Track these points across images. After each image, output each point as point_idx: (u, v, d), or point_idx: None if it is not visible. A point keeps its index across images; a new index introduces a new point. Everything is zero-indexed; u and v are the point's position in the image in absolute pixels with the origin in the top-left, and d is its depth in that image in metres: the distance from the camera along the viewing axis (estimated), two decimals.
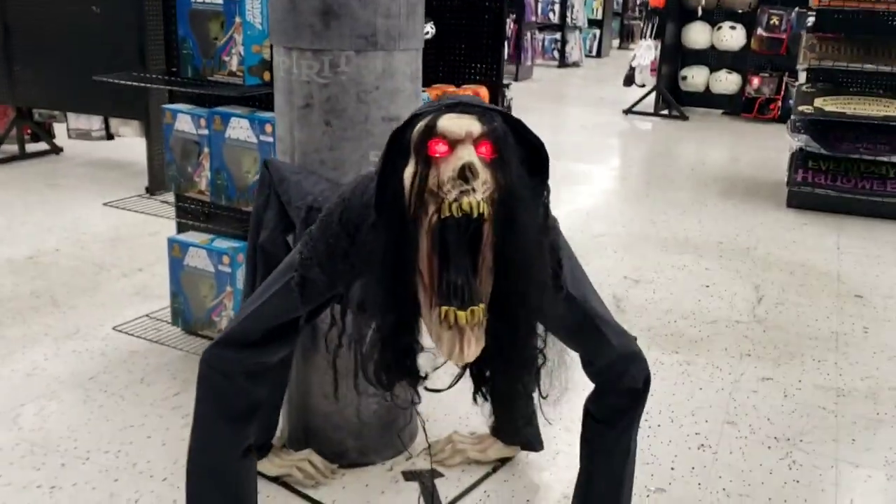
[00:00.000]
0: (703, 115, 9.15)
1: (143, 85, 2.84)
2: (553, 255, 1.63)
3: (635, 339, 1.85)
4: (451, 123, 1.40)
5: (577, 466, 2.00)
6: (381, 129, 2.22)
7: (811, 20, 5.41)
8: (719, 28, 8.81)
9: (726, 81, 8.91)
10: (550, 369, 1.68)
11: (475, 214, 1.35)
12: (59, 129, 6.51)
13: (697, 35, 8.88)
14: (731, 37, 8.76)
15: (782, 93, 8.63)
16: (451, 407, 2.71)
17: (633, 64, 8.93)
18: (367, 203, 1.55)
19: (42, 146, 6.35)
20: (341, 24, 2.11)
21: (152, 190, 4.90)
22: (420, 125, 1.42)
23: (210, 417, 1.76)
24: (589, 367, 1.86)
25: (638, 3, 9.23)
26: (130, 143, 6.08)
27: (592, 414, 1.90)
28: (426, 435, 2.40)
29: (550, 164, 1.51)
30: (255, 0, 2.62)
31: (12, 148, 6.20)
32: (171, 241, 2.97)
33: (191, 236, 2.99)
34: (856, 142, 5.31)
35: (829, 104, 5.29)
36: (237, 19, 2.62)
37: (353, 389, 2.37)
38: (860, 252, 4.69)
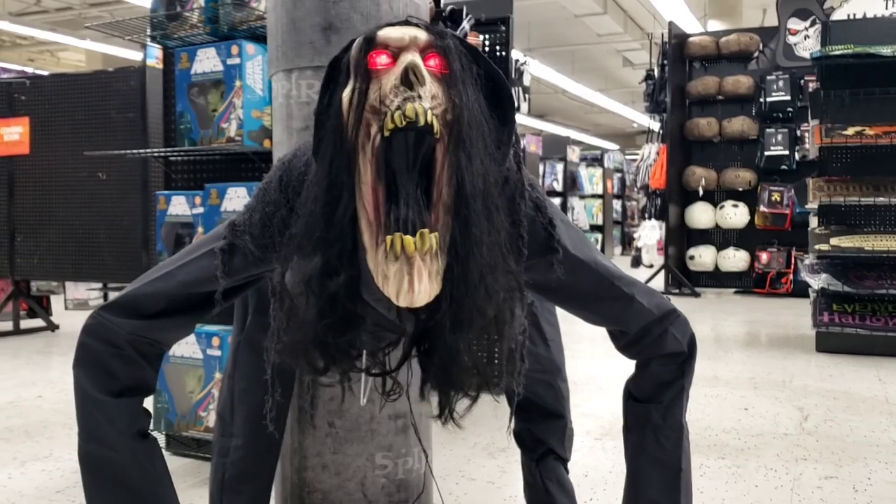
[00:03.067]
0: (716, 294, 9.02)
1: (144, 152, 2.70)
2: (542, 212, 1.40)
3: (668, 298, 1.55)
4: (394, 31, 1.23)
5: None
6: None
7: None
8: (721, 207, 8.89)
9: (734, 259, 8.86)
10: (513, 344, 1.31)
11: (421, 122, 1.14)
12: (56, 306, 6.36)
13: (700, 215, 8.95)
14: (735, 215, 8.82)
15: (792, 267, 8.55)
16: (464, 469, 2.34)
17: (639, 245, 8.94)
18: (310, 161, 1.35)
19: (38, 322, 6.17)
20: (343, 40, 2.00)
21: None
22: (358, 39, 1.25)
23: (91, 396, 1.39)
24: (622, 340, 1.55)
25: (638, 184, 9.34)
26: None
27: (634, 395, 1.57)
28: None
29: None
30: (256, 65, 2.55)
31: (6, 324, 6.01)
32: None
33: None
34: (879, 279, 5.12)
35: (846, 242, 5.16)
36: (237, 83, 2.54)
37: (359, 458, 2.06)
38: None
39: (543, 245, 1.41)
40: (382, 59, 1.21)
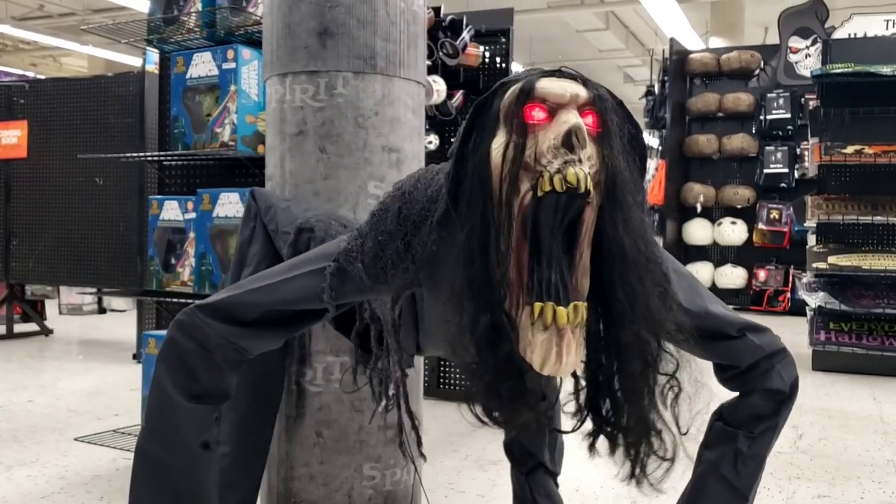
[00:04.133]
0: None
1: (138, 156, 2.69)
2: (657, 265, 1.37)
3: (779, 337, 1.54)
4: (553, 85, 1.19)
5: None
6: (380, 158, 2.04)
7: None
8: (720, 224, 8.87)
9: (731, 276, 8.84)
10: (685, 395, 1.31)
11: (583, 189, 1.11)
12: (51, 310, 6.33)
13: (698, 231, 8.94)
14: (733, 232, 8.80)
15: (790, 285, 8.53)
16: (454, 482, 2.31)
17: None
18: (433, 197, 1.32)
19: (32, 326, 6.14)
20: (338, 45, 2.00)
21: (140, 357, 4.64)
22: (513, 89, 1.20)
23: (168, 395, 1.36)
24: (728, 373, 1.52)
25: None
26: (122, 321, 5.89)
27: (725, 418, 1.54)
28: None
29: None
30: (252, 69, 2.53)
31: None
32: (146, 337, 2.69)
33: None
34: (876, 298, 5.10)
35: (844, 260, 5.14)
36: (232, 87, 2.52)
37: (347, 469, 2.03)
38: None
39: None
40: (539, 114, 1.17)
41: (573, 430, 1.33)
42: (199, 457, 1.39)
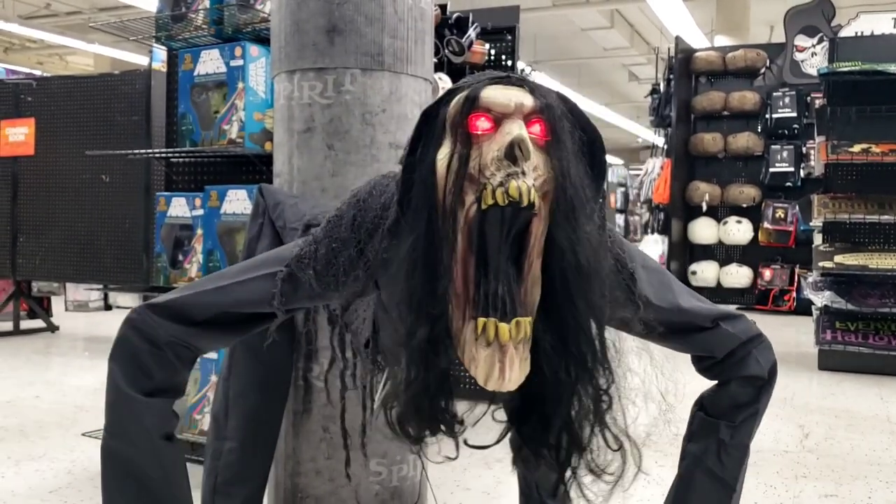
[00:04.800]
0: None
1: (147, 153, 2.69)
2: (622, 269, 1.36)
3: (754, 322, 1.53)
4: (498, 94, 1.17)
5: None
6: (387, 155, 2.04)
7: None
8: (725, 223, 8.86)
9: (737, 275, 8.82)
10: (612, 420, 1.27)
11: (525, 203, 1.10)
12: (57, 307, 6.35)
13: (703, 230, 8.92)
14: (738, 231, 8.78)
15: (795, 284, 8.52)
16: (460, 479, 2.31)
17: None
18: (386, 205, 1.32)
19: (38, 323, 6.16)
20: (346, 41, 2.00)
21: None
22: (458, 97, 1.19)
23: (123, 391, 1.35)
24: (705, 363, 1.53)
25: (641, 199, 9.33)
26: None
27: (706, 409, 1.54)
28: None
29: None
30: (260, 67, 2.54)
31: (6, 324, 6.00)
32: None
33: None
34: (882, 297, 5.09)
35: (850, 259, 5.13)
36: (240, 85, 2.53)
37: (353, 463, 2.03)
38: None
39: (624, 300, 1.37)
40: (484, 124, 1.16)
41: (495, 444, 1.32)
42: (162, 448, 1.38)
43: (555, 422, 1.23)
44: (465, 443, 1.32)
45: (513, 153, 1.11)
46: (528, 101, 1.17)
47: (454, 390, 1.23)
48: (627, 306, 1.36)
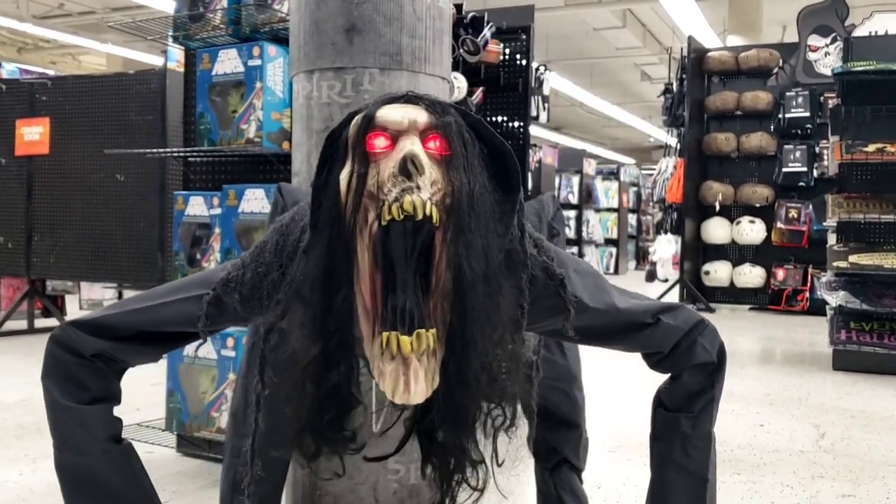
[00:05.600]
0: (730, 311, 8.94)
1: (165, 152, 2.70)
2: (551, 276, 1.38)
3: (695, 308, 1.54)
4: (393, 113, 1.19)
5: None
6: None
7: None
8: (738, 223, 8.83)
9: (750, 275, 8.80)
10: (507, 428, 1.31)
11: (419, 216, 1.11)
12: (71, 306, 6.39)
13: (716, 230, 8.90)
14: (751, 230, 8.76)
15: (809, 284, 8.49)
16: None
17: (654, 259, 8.89)
18: (305, 227, 1.32)
19: (52, 322, 6.18)
20: (365, 41, 2.01)
21: None
22: (357, 118, 1.22)
23: (62, 404, 1.38)
24: (654, 358, 1.54)
25: (655, 198, 9.32)
26: None
27: (665, 404, 1.55)
28: None
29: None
30: (277, 66, 2.55)
31: (21, 323, 6.03)
32: None
33: None
34: None
35: (865, 259, 5.11)
36: (258, 84, 2.54)
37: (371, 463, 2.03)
38: None
39: (555, 307, 1.39)
40: (381, 142, 1.18)
41: (394, 453, 1.36)
42: (113, 450, 1.40)
43: (447, 434, 1.25)
44: (364, 458, 1.36)
45: (406, 168, 1.12)
46: (422, 117, 1.19)
47: (352, 404, 1.25)
48: (560, 313, 1.39)
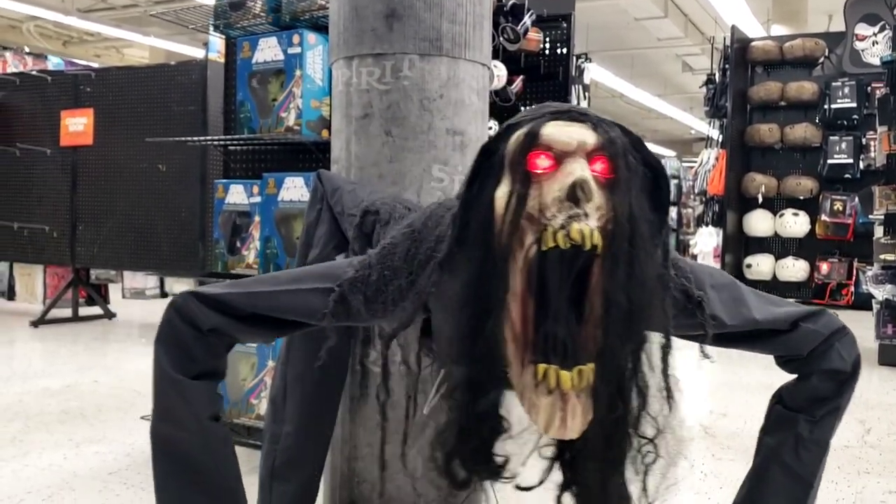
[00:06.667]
0: None
1: (206, 140, 2.72)
2: (689, 299, 1.32)
3: (836, 315, 1.48)
4: (559, 132, 1.13)
5: None
6: (445, 141, 2.03)
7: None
8: (781, 215, 8.68)
9: (793, 268, 8.65)
10: (660, 465, 1.25)
11: (587, 246, 1.06)
12: (114, 294, 6.49)
13: (759, 222, 8.76)
14: (795, 223, 8.61)
15: (854, 278, 8.33)
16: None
17: (695, 251, 8.78)
18: (441, 237, 1.29)
19: (96, 310, 6.29)
20: (405, 27, 2.00)
21: None
22: (518, 134, 1.16)
23: (169, 375, 1.36)
24: (784, 358, 1.48)
25: (696, 190, 9.20)
26: None
27: (784, 402, 1.49)
28: None
29: None
30: (317, 54, 2.55)
31: (65, 311, 6.14)
32: None
33: None
34: None
35: None
36: (297, 72, 2.54)
37: (409, 450, 2.03)
38: None
39: (693, 326, 1.34)
40: (544, 162, 1.13)
41: (538, 484, 1.30)
42: (211, 429, 1.39)
43: (597, 467, 1.21)
44: (517, 486, 1.31)
45: (575, 195, 1.08)
46: (590, 138, 1.14)
47: (500, 431, 1.21)
48: (697, 330, 1.34)
